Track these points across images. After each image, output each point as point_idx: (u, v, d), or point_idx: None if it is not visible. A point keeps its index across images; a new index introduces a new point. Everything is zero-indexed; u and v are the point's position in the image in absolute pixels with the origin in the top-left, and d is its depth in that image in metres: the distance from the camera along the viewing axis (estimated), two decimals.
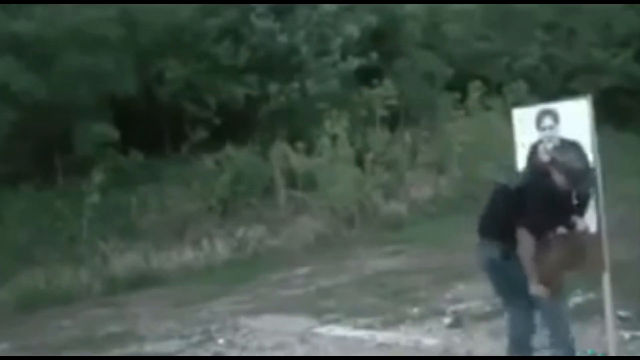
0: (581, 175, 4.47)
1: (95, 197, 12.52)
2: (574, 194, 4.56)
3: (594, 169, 4.68)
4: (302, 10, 16.51)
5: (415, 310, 7.62)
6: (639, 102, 21.32)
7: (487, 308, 7.18)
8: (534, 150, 5.16)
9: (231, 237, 13.20)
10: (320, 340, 6.93)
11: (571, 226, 4.56)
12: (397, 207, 14.69)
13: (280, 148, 15.00)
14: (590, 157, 4.84)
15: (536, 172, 4.66)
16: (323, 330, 7.33)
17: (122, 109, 14.82)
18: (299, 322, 7.74)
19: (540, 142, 5.16)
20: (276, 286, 10.21)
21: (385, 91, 16.45)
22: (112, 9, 13.78)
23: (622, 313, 5.84)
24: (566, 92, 16.59)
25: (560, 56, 21.56)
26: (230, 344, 7.23)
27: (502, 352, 5.69)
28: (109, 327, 8.77)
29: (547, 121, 5.11)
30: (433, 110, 18.26)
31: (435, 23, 20.30)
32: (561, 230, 4.54)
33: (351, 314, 7.80)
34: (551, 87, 19.67)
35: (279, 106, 15.82)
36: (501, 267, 4.56)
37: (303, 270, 11.20)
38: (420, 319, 7.25)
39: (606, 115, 14.23)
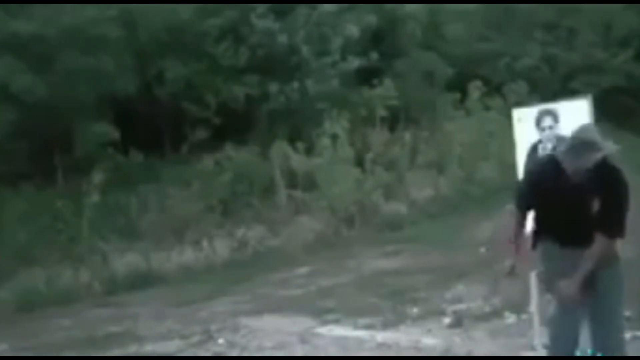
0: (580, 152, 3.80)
1: (95, 197, 12.52)
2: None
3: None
4: (302, 10, 16.53)
5: (415, 310, 7.61)
6: (639, 101, 21.33)
7: (487, 308, 7.18)
8: (534, 150, 5.17)
9: (231, 237, 13.20)
10: (320, 340, 6.92)
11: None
12: (397, 207, 14.68)
13: (280, 148, 15.00)
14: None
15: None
16: (323, 330, 7.32)
17: (122, 109, 14.85)
18: (299, 322, 7.73)
19: (540, 142, 5.17)
20: (276, 286, 10.20)
21: (385, 91, 16.47)
22: (112, 9, 13.80)
23: None
24: (566, 92, 16.61)
25: (560, 56, 21.58)
26: (230, 344, 7.22)
27: (502, 352, 5.70)
28: (109, 327, 8.76)
29: (547, 121, 5.12)
30: (433, 110, 18.28)
31: (435, 23, 20.34)
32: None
33: (351, 314, 7.79)
34: (551, 87, 19.69)
35: (279, 106, 15.84)
36: None
37: (303, 270, 11.19)
38: (420, 319, 7.24)
39: (606, 115, 14.18)
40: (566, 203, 3.93)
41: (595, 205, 3.84)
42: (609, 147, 3.85)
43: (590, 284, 3.98)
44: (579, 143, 3.79)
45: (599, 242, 3.86)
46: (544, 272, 4.27)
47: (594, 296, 4.02)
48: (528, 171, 4.43)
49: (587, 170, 3.79)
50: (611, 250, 3.96)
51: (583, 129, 3.93)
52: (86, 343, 8.05)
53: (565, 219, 3.99)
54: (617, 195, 3.87)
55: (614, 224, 3.88)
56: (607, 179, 3.85)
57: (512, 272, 4.30)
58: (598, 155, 3.74)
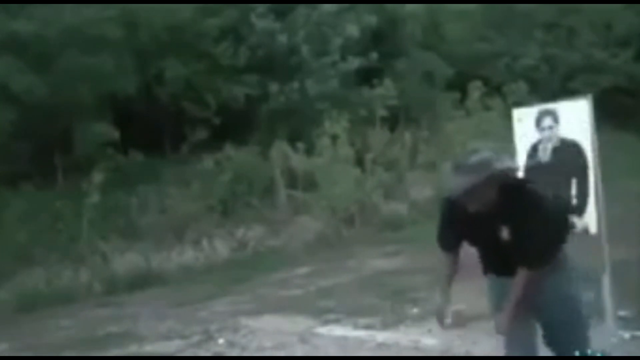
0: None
1: (95, 197, 12.52)
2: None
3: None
4: (302, 10, 16.52)
5: (415, 310, 7.62)
6: (639, 102, 21.31)
7: (487, 308, 7.17)
8: (534, 151, 5.17)
9: (231, 237, 13.21)
10: (320, 340, 6.93)
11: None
12: (397, 207, 14.69)
13: (280, 148, 15.00)
14: (590, 156, 4.85)
15: None
16: (323, 330, 7.32)
17: (122, 109, 14.84)
18: (299, 322, 7.73)
19: (540, 142, 5.17)
20: (276, 286, 10.21)
21: (385, 91, 16.46)
22: (112, 9, 13.78)
23: (622, 313, 5.83)
24: (566, 92, 16.60)
25: (560, 56, 21.56)
26: (230, 344, 7.23)
27: (502, 352, 5.70)
28: (109, 327, 8.77)
29: (547, 121, 5.12)
30: (433, 110, 18.27)
31: (435, 23, 20.32)
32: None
33: (351, 314, 7.80)
34: (551, 87, 19.67)
35: (279, 106, 15.83)
36: None
37: (303, 270, 11.20)
38: (420, 319, 7.24)
39: (606, 115, 14.20)
40: (483, 234, 3.75)
41: (510, 233, 3.61)
42: (479, 170, 3.53)
43: (525, 311, 3.79)
44: (453, 167, 3.62)
45: (520, 274, 3.63)
46: (489, 301, 4.13)
47: (544, 306, 3.81)
48: (441, 210, 4.19)
49: (498, 198, 3.58)
50: (538, 276, 3.66)
51: (468, 154, 3.70)
52: (86, 343, 8.06)
53: (489, 249, 3.86)
54: (533, 224, 3.57)
55: (531, 255, 3.59)
56: (520, 207, 3.59)
57: (457, 320, 4.18)
58: (467, 179, 3.50)
